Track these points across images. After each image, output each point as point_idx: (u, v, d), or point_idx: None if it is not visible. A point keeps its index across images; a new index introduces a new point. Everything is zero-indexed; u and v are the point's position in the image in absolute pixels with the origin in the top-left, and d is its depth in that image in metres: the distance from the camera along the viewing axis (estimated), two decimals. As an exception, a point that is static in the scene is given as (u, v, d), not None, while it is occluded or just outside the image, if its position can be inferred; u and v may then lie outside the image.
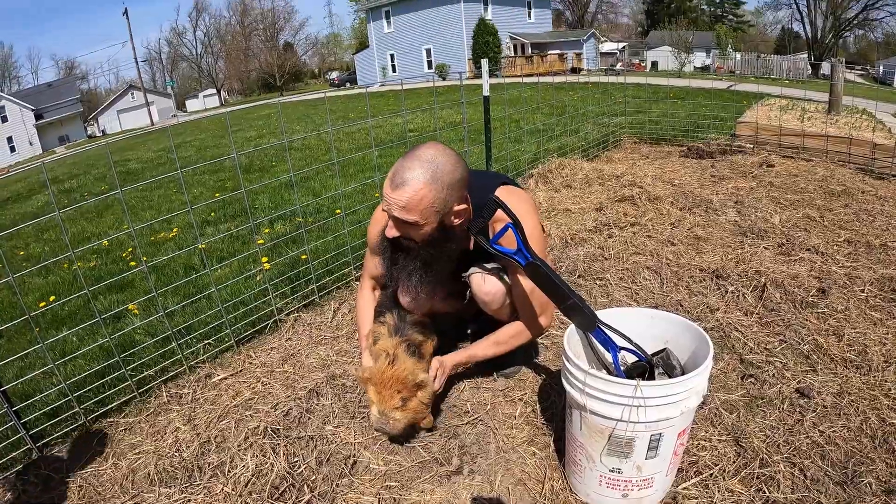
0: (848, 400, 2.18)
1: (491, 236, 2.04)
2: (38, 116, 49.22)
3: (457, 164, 1.91)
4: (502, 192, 2.10)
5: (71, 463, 2.32)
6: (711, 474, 1.88)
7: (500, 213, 1.93)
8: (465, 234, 2.12)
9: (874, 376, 2.31)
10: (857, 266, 3.27)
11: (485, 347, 2.30)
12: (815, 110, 7.70)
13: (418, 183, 1.85)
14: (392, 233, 2.00)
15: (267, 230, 5.09)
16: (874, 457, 1.90)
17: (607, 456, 1.69)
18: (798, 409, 2.16)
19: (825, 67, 32.47)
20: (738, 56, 40.69)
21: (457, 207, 1.97)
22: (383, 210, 1.95)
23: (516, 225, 1.89)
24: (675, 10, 63.66)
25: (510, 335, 2.29)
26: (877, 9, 47.30)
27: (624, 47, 54.22)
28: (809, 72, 35.43)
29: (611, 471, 1.71)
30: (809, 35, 50.00)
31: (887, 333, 2.59)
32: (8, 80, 72.12)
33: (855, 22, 48.95)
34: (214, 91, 72.35)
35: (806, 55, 45.13)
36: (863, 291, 2.97)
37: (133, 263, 4.77)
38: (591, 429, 1.68)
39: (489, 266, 2.26)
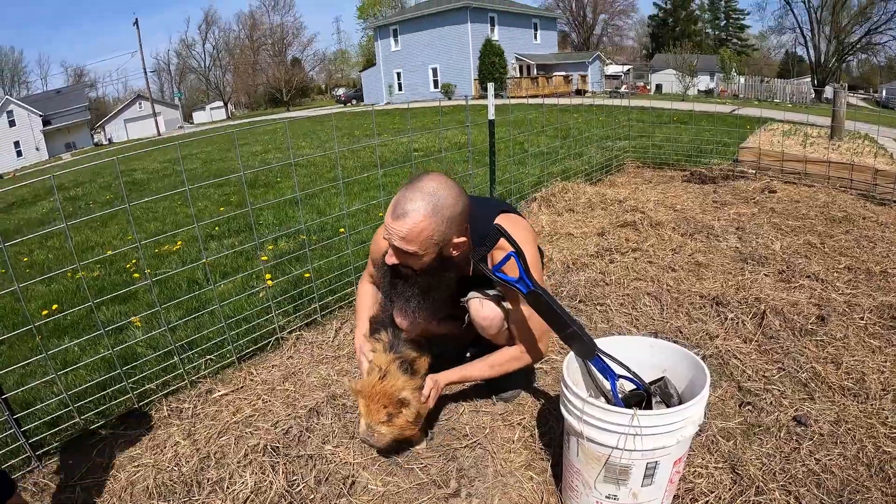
0: (845, 428, 2.19)
1: (491, 263, 2.08)
2: (45, 122, 49.66)
3: (458, 197, 1.96)
4: (503, 221, 2.15)
5: (69, 473, 2.34)
6: (707, 502, 1.89)
7: (501, 241, 1.98)
8: (464, 262, 2.16)
9: (871, 404, 2.32)
10: (857, 293, 3.29)
11: (480, 369, 2.33)
12: (817, 135, 7.75)
13: (419, 215, 1.89)
14: (392, 260, 2.05)
15: (271, 247, 5.12)
16: (870, 485, 1.91)
17: (603, 482, 1.70)
18: (795, 437, 2.17)
19: (828, 92, 32.65)
20: (742, 80, 40.91)
21: (456, 240, 2.01)
22: (384, 238, 1.99)
23: (519, 254, 1.93)
24: (680, 34, 64.18)
25: (507, 359, 2.31)
26: (880, 33, 47.66)
27: (629, 70, 54.58)
28: (813, 96, 35.62)
29: (607, 497, 1.72)
30: (813, 59, 50.30)
31: (885, 361, 2.61)
32: (17, 85, 73.04)
33: (858, 46, 49.26)
34: (221, 104, 72.99)
35: (809, 79, 45.36)
36: (862, 319, 2.98)
37: (137, 275, 4.80)
38: (588, 455, 1.69)
39: (487, 292, 2.30)
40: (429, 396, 2.20)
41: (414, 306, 2.14)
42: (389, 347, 2.25)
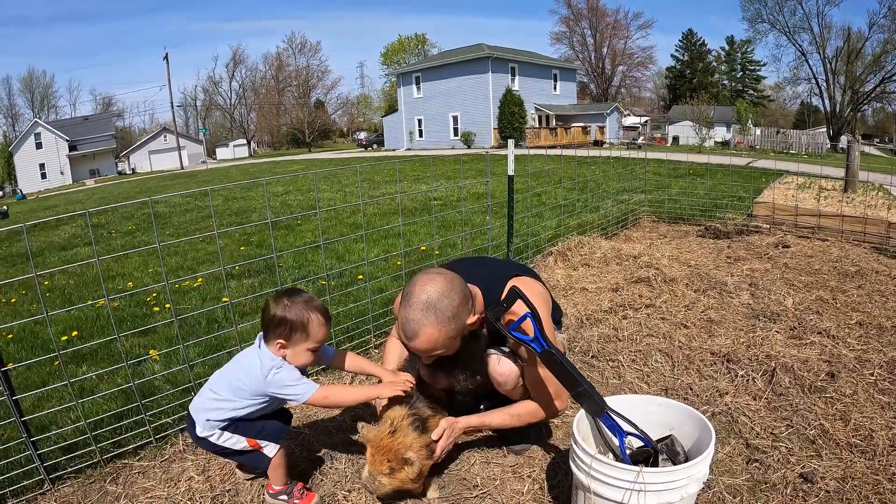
0: (851, 485, 2.24)
1: (505, 322, 2.22)
2: (71, 147, 51.01)
3: (450, 292, 2.11)
4: (516, 283, 2.30)
5: (82, 499, 2.42)
6: (715, 557, 1.96)
7: (518, 302, 2.13)
8: (481, 325, 2.33)
9: (879, 461, 2.36)
10: (868, 349, 3.34)
11: (501, 417, 2.45)
12: (831, 188, 7.84)
13: (426, 331, 2.07)
14: (428, 362, 2.27)
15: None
16: (874, 542, 1.96)
17: (612, 537, 1.78)
18: (801, 494, 2.23)
19: (843, 142, 32.65)
20: (758, 131, 41.10)
21: (470, 321, 2.18)
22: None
23: (534, 315, 2.07)
24: (697, 85, 64.91)
25: (526, 411, 2.43)
26: (894, 81, 47.79)
27: (646, 121, 55.03)
28: (828, 146, 35.64)
29: (615, 551, 1.81)
30: (828, 109, 50.48)
31: (894, 417, 2.66)
32: (46, 109, 75.03)
33: (872, 95, 49.40)
34: (245, 141, 74.45)
35: (825, 129, 45.45)
36: (872, 375, 3.04)
37: (156, 309, 4.94)
38: (597, 510, 1.78)
39: (504, 349, 2.44)
40: (441, 438, 2.30)
41: (439, 368, 2.32)
42: (407, 401, 2.37)
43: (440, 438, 2.29)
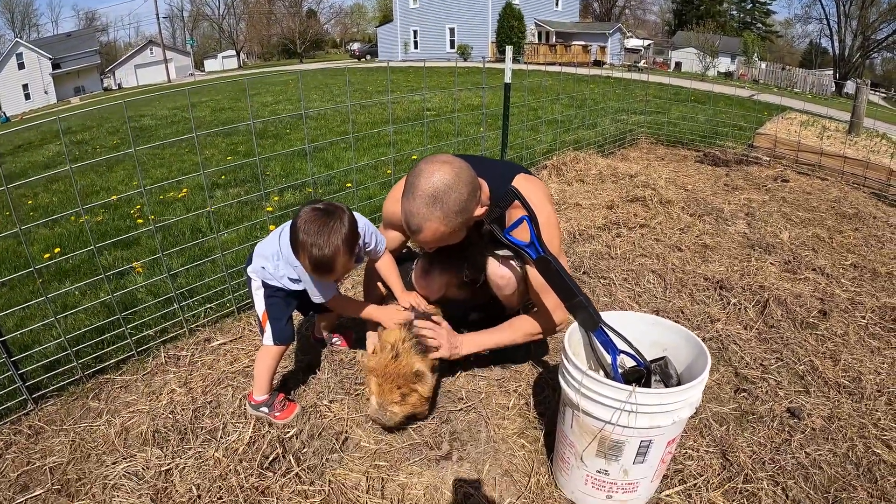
0: (837, 425, 2.20)
1: (508, 223, 2.07)
2: (55, 66, 49.10)
3: (458, 183, 1.88)
4: (521, 181, 2.14)
5: (65, 417, 2.35)
6: (695, 484, 1.91)
7: (517, 203, 1.96)
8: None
9: (866, 404, 2.32)
10: (861, 292, 3.27)
11: (501, 336, 2.33)
12: (835, 129, 7.64)
13: (432, 225, 1.89)
14: (431, 251, 2.17)
15: (276, 198, 5.10)
16: (857, 485, 1.92)
17: (595, 457, 1.71)
18: (787, 429, 2.18)
19: (849, 87, 32.13)
20: (764, 65, 40.26)
21: (477, 213, 1.99)
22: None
23: (532, 218, 1.90)
24: (704, 13, 62.84)
25: (529, 325, 2.30)
26: (907, 33, 46.66)
27: (649, 45, 53.75)
28: (833, 89, 35.07)
29: (597, 472, 1.73)
30: (837, 52, 49.35)
31: (883, 363, 2.60)
32: (27, 28, 72.05)
33: (884, 44, 48.31)
34: (234, 53, 72.04)
35: (831, 72, 44.63)
36: (864, 318, 2.97)
37: (140, 221, 4.78)
38: (583, 428, 1.69)
39: (505, 252, 2.28)
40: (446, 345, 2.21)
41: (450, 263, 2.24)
42: (404, 323, 2.23)
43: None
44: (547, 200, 2.18)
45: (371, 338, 2.46)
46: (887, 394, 2.38)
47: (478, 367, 2.61)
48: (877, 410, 2.28)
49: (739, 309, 3.06)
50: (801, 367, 2.57)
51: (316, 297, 2.20)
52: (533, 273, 2.17)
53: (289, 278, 2.20)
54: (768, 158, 6.47)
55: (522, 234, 1.97)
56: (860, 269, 3.59)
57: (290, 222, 2.02)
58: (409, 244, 2.70)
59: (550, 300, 2.18)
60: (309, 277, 2.12)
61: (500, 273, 2.26)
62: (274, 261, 2.18)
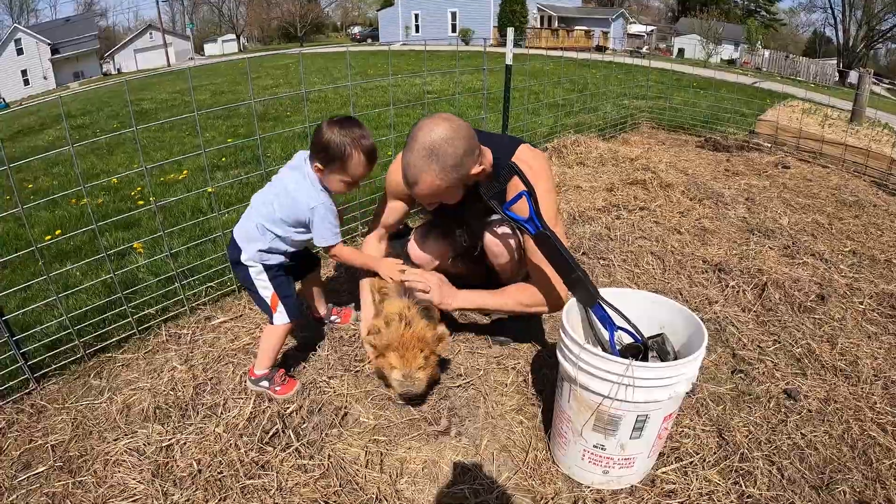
0: (833, 407, 2.21)
1: (508, 197, 2.08)
2: (54, 51, 48.51)
3: (455, 138, 1.93)
4: (525, 152, 2.17)
5: (67, 395, 2.36)
6: (691, 462, 1.92)
7: (516, 178, 1.99)
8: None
9: (861, 388, 2.33)
10: (859, 278, 3.28)
11: (496, 300, 2.31)
12: (837, 118, 7.61)
13: (427, 177, 1.94)
14: (430, 208, 2.19)
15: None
16: (851, 466, 1.93)
17: (592, 431, 1.72)
18: (783, 410, 2.19)
19: (852, 76, 31.94)
20: (767, 53, 39.96)
21: (474, 171, 2.02)
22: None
23: (531, 194, 1.90)
24: (708, -1, 62.43)
25: (527, 295, 2.28)
26: (912, 24, 46.23)
27: (652, 31, 53.33)
28: (836, 79, 34.88)
29: (594, 447, 1.75)
30: (841, 41, 48.98)
31: (880, 348, 2.62)
32: (26, 13, 71.17)
33: (888, 35, 47.94)
34: (234, 37, 71.39)
35: (835, 61, 44.33)
36: (861, 304, 2.98)
37: (140, 203, 4.78)
38: (580, 403, 1.71)
39: (503, 224, 2.31)
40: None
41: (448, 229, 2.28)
42: (403, 293, 2.23)
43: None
44: (547, 172, 2.20)
45: (365, 286, 2.49)
46: (883, 378, 2.40)
47: (476, 340, 2.63)
48: (873, 394, 2.30)
49: (738, 292, 3.06)
50: (798, 350, 2.58)
51: (322, 241, 2.23)
52: (531, 248, 2.17)
53: (296, 232, 2.23)
54: (769, 145, 6.46)
55: (522, 210, 1.97)
56: (859, 256, 3.60)
57: (263, 192, 2.22)
58: (406, 221, 2.71)
59: (548, 275, 2.18)
60: (322, 216, 2.17)
61: (495, 241, 2.30)
62: (266, 233, 2.19)
